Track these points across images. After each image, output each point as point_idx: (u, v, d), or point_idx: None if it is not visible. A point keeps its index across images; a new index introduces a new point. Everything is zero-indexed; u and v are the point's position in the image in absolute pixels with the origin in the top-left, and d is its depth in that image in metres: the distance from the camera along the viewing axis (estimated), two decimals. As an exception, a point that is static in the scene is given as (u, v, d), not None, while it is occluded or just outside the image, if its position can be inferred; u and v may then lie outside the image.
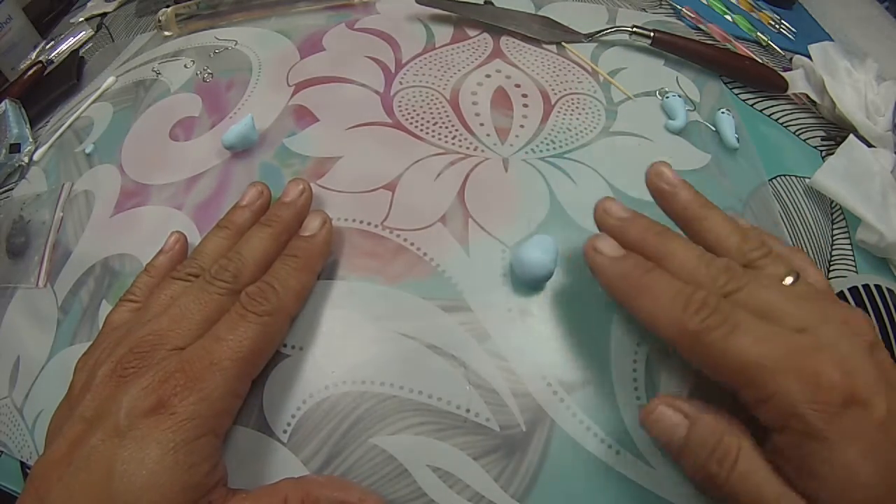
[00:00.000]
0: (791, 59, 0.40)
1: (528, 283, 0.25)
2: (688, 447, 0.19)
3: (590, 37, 0.37)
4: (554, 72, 0.35)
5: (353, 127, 0.32)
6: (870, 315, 0.28)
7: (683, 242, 0.22)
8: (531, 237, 0.25)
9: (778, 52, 0.41)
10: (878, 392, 0.17)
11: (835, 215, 0.32)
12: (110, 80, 0.39)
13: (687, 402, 0.20)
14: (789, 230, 0.29)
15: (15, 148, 0.36)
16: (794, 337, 0.18)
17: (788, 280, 0.20)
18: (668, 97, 0.33)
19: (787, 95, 0.37)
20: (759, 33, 0.42)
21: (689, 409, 0.19)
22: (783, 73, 0.37)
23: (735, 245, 0.22)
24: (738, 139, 0.32)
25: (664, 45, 0.36)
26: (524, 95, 0.33)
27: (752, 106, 0.36)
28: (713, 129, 0.33)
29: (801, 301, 0.19)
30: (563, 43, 0.37)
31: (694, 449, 0.19)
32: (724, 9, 0.43)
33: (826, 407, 0.17)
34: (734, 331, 0.18)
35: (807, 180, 0.32)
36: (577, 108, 0.33)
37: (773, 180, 0.31)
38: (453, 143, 0.30)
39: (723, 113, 0.33)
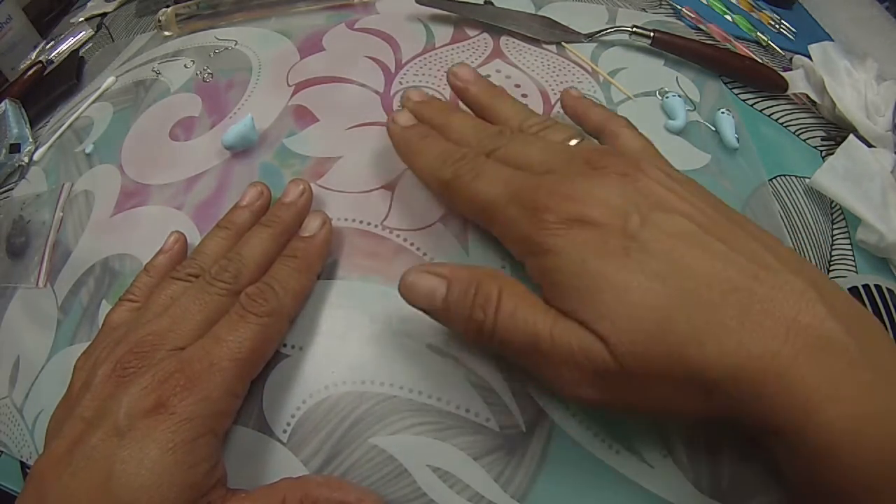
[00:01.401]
0: (791, 59, 0.40)
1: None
2: (450, 305, 0.19)
3: (590, 37, 0.37)
4: (554, 72, 0.35)
5: (353, 127, 0.32)
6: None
7: (463, 115, 0.26)
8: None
9: (778, 52, 0.41)
10: (616, 210, 0.18)
11: (835, 215, 0.32)
12: (110, 80, 0.39)
13: (444, 265, 0.20)
14: (789, 230, 0.29)
15: (15, 148, 0.37)
16: (526, 177, 0.20)
17: (573, 143, 0.22)
18: (667, 97, 0.33)
19: (787, 95, 0.37)
20: (759, 33, 0.42)
21: (445, 270, 0.20)
22: (783, 73, 0.37)
23: (518, 122, 0.24)
24: (738, 139, 0.32)
25: (664, 46, 0.36)
26: (524, 95, 0.33)
27: (752, 106, 0.36)
28: (713, 129, 0.33)
29: (557, 152, 0.21)
30: (562, 43, 0.37)
31: (456, 305, 0.19)
32: (724, 9, 0.43)
33: (548, 226, 0.18)
34: (477, 177, 0.21)
35: (807, 180, 0.32)
36: (577, 108, 0.33)
37: (773, 180, 0.31)
38: (453, 143, 0.30)
39: (723, 113, 0.33)
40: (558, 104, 0.33)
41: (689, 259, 0.17)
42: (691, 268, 0.17)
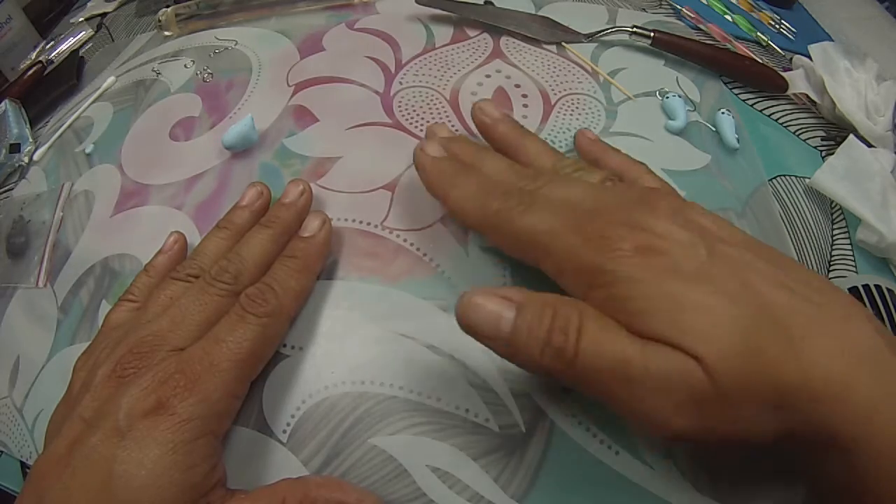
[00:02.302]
0: (791, 59, 0.40)
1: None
2: (520, 331, 0.17)
3: (590, 37, 0.37)
4: (554, 72, 0.35)
5: (353, 127, 0.32)
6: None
7: (496, 155, 0.24)
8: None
9: (778, 52, 0.41)
10: (685, 245, 0.18)
11: (835, 215, 0.31)
12: (110, 79, 0.39)
13: (512, 289, 0.18)
14: (789, 230, 0.29)
15: (15, 148, 0.37)
16: (583, 212, 0.19)
17: (608, 185, 0.22)
18: (668, 97, 0.33)
19: (788, 95, 0.37)
20: (759, 33, 0.42)
21: (513, 294, 0.18)
22: (783, 73, 0.37)
23: (550, 164, 0.24)
24: (738, 139, 0.32)
25: (664, 46, 0.36)
26: (524, 96, 0.33)
27: (752, 106, 0.36)
28: (713, 129, 0.33)
29: (603, 192, 0.21)
30: (563, 43, 0.37)
31: (530, 330, 0.17)
32: (724, 9, 0.43)
33: (619, 252, 0.17)
34: (528, 209, 0.20)
35: (807, 180, 0.32)
36: (577, 108, 0.33)
37: (773, 180, 0.31)
38: (453, 144, 0.30)
39: (723, 113, 0.33)
40: (558, 104, 0.33)
41: (758, 285, 0.17)
42: (761, 293, 0.17)
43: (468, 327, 0.18)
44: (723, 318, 0.16)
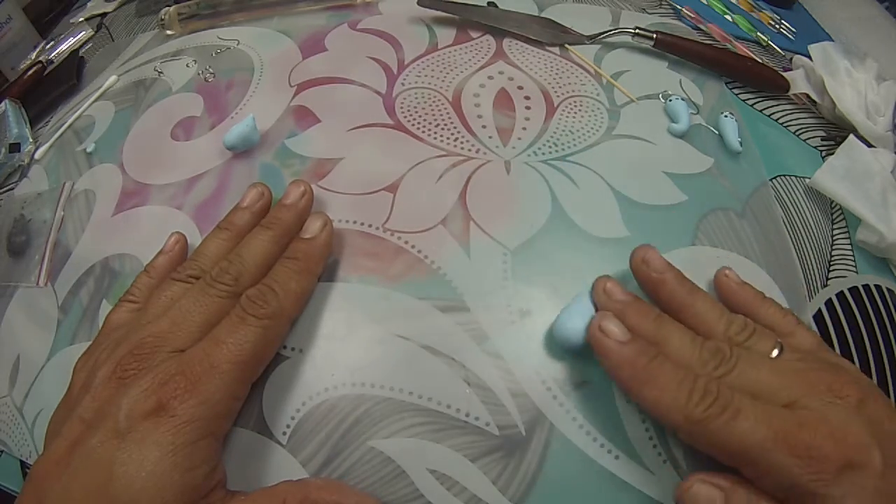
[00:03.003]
0: (791, 59, 0.40)
1: (565, 348, 0.24)
2: None
3: (592, 38, 0.37)
4: (557, 74, 0.35)
5: (355, 128, 0.32)
6: (869, 316, 0.28)
7: (678, 328, 0.23)
8: (574, 302, 0.24)
9: (778, 52, 0.41)
10: (871, 448, 0.19)
11: (835, 215, 0.32)
12: (112, 78, 0.39)
13: (720, 476, 0.20)
14: (789, 231, 0.29)
15: (15, 148, 0.36)
16: (785, 414, 0.20)
17: (774, 353, 0.22)
18: (671, 100, 0.33)
19: (788, 96, 0.37)
20: (759, 33, 0.42)
21: (723, 483, 0.20)
22: (783, 74, 0.37)
23: (721, 330, 0.23)
24: (740, 143, 0.32)
25: (667, 47, 0.36)
26: (527, 97, 0.33)
27: (752, 106, 0.36)
28: (716, 132, 0.33)
29: (786, 375, 0.21)
30: (565, 45, 0.37)
31: None
32: (724, 9, 0.43)
33: (822, 475, 0.18)
34: (735, 417, 0.19)
35: (807, 180, 0.32)
36: (579, 110, 0.33)
37: (773, 180, 0.31)
38: (455, 145, 0.30)
39: (726, 116, 0.33)
40: (561, 106, 0.33)
41: None
42: None
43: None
44: None
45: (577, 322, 0.23)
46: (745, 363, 0.21)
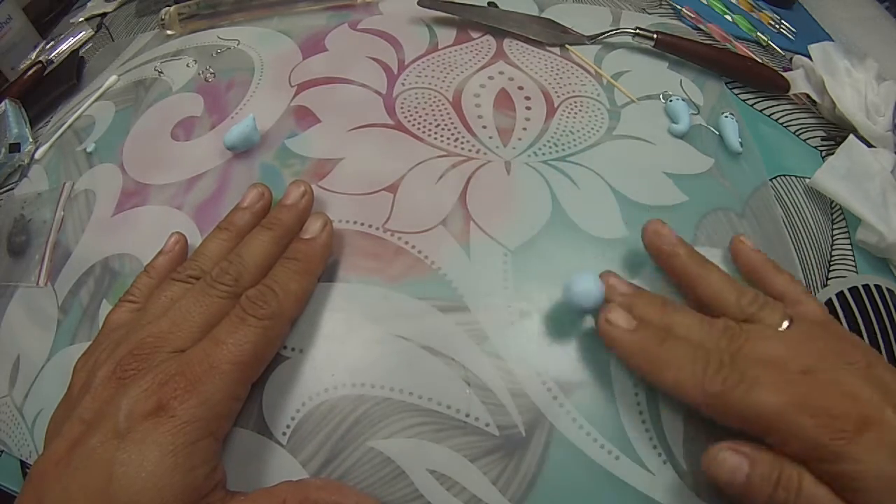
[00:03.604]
0: (791, 59, 0.40)
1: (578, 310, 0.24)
2: (751, 484, 0.20)
3: (592, 39, 0.37)
4: (557, 74, 0.35)
5: (355, 128, 0.32)
6: (869, 316, 0.28)
7: (685, 311, 0.24)
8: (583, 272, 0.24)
9: (778, 52, 0.41)
10: (883, 405, 0.19)
11: (835, 215, 0.32)
12: (112, 78, 0.39)
13: (745, 444, 0.20)
14: (789, 230, 0.29)
15: (14, 148, 0.36)
16: (800, 379, 0.20)
17: (784, 325, 0.22)
18: (671, 101, 0.33)
19: (788, 96, 0.37)
20: (759, 33, 0.42)
21: (747, 450, 0.20)
22: (783, 74, 0.37)
23: (733, 302, 0.24)
24: (741, 143, 0.32)
25: (667, 47, 0.36)
26: (527, 98, 0.33)
27: (752, 106, 0.36)
28: (716, 132, 0.33)
29: (797, 345, 0.22)
30: (566, 45, 0.37)
31: (758, 484, 0.20)
32: (724, 9, 0.43)
33: (843, 434, 0.19)
34: (753, 386, 0.20)
35: (807, 180, 0.32)
36: (580, 110, 0.33)
37: (773, 180, 0.31)
38: (455, 146, 0.30)
39: (726, 117, 0.33)
40: (561, 107, 0.33)
41: None
42: None
43: (710, 476, 0.21)
44: None
45: (589, 283, 0.23)
46: (756, 336, 0.22)
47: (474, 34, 0.37)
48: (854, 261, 0.30)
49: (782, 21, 0.44)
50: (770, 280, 0.25)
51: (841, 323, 0.27)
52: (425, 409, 0.23)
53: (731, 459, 0.20)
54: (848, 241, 0.31)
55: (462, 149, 0.30)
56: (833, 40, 0.42)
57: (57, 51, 0.46)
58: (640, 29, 0.36)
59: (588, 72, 0.35)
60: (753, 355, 0.21)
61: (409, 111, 0.32)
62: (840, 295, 0.28)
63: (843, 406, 0.19)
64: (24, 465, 0.26)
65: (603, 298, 0.24)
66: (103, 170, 0.33)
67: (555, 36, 0.37)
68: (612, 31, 0.37)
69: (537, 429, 0.22)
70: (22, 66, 0.48)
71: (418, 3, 0.37)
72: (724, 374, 0.20)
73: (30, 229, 0.32)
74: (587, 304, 0.23)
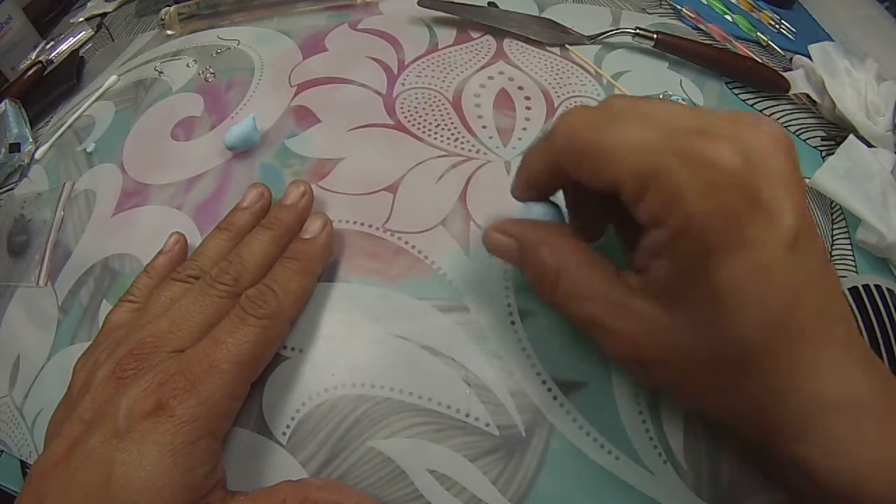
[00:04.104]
0: (791, 59, 0.40)
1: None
2: (521, 267, 0.21)
3: (592, 39, 0.37)
4: (557, 74, 0.35)
5: (355, 128, 0.32)
6: (869, 316, 0.28)
7: None
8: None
9: (778, 52, 0.41)
10: (786, 197, 0.14)
11: (835, 215, 0.32)
12: (112, 78, 0.39)
13: (515, 224, 0.21)
14: (790, 231, 0.29)
15: (14, 148, 0.36)
16: (683, 122, 0.16)
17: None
18: (671, 101, 0.33)
19: (788, 96, 0.37)
20: (759, 33, 0.42)
21: (516, 231, 0.21)
22: (783, 74, 0.37)
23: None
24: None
25: (667, 47, 0.36)
26: (527, 98, 0.33)
27: (752, 106, 0.36)
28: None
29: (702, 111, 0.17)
30: (566, 45, 0.37)
31: (524, 269, 0.21)
32: (724, 9, 0.43)
33: (720, 207, 0.14)
34: (612, 123, 0.16)
35: (807, 180, 0.32)
36: (578, 109, 0.33)
37: (774, 181, 0.31)
38: (455, 146, 0.30)
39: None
40: (561, 107, 0.33)
41: None
42: None
43: (491, 253, 0.22)
44: None
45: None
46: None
47: (474, 34, 0.37)
48: (854, 261, 0.30)
49: (782, 21, 0.44)
50: None
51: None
52: (425, 409, 0.23)
53: (501, 241, 0.21)
54: (848, 241, 0.31)
55: (462, 149, 0.30)
56: (833, 40, 0.42)
57: (57, 51, 0.46)
58: (640, 29, 0.36)
59: (588, 72, 0.35)
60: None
61: (409, 111, 0.32)
62: (840, 295, 0.28)
63: (734, 160, 0.14)
64: (24, 465, 0.26)
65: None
66: (103, 170, 0.33)
67: (555, 36, 0.37)
68: (612, 31, 0.37)
69: (537, 429, 0.22)
70: (22, 66, 0.48)
71: (418, 3, 0.37)
72: (586, 111, 0.18)
73: (30, 229, 0.32)
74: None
